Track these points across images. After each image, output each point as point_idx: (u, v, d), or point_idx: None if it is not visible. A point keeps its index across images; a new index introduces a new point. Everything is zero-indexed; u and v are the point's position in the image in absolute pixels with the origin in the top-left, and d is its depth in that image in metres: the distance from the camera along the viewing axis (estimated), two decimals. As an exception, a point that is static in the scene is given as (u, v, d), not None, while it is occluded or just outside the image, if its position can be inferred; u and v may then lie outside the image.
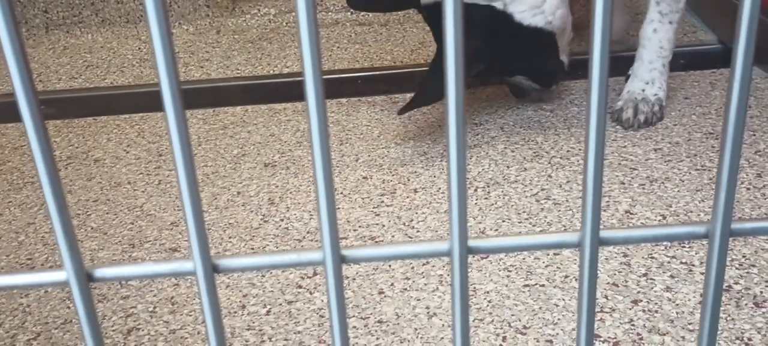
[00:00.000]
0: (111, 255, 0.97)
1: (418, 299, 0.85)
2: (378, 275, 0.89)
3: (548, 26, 1.15)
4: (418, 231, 0.98)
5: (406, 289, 0.87)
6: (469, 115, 1.30)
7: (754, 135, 1.16)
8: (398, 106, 1.37)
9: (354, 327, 0.82)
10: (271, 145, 1.25)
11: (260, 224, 1.02)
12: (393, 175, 1.13)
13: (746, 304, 0.80)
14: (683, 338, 0.76)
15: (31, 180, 1.19)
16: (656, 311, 0.80)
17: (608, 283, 0.85)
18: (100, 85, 1.55)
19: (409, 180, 1.11)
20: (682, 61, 1.41)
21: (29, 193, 1.15)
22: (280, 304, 0.86)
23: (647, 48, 1.24)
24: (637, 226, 0.98)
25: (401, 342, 0.79)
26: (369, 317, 0.83)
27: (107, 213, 1.07)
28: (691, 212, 0.98)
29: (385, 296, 0.86)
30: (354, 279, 0.89)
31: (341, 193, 1.08)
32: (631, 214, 0.98)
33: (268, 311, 0.85)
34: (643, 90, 1.24)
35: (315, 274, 0.90)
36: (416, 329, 0.80)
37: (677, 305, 0.81)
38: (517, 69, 1.25)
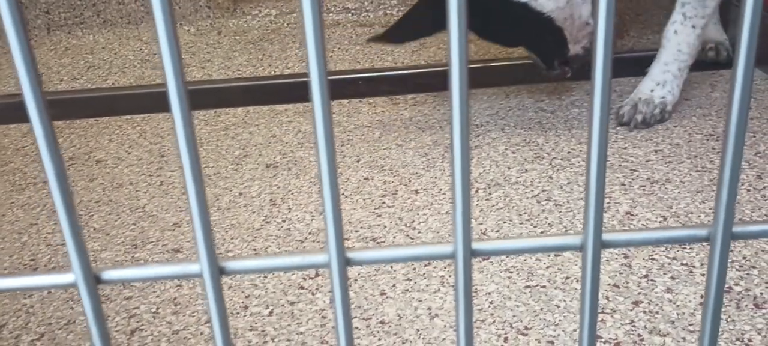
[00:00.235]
0: (114, 256, 0.98)
1: (420, 300, 0.85)
2: (380, 275, 0.90)
3: (534, 4, 1.17)
4: (419, 232, 0.98)
5: (407, 290, 0.87)
6: (470, 117, 1.30)
7: (754, 136, 1.17)
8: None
9: (356, 328, 0.82)
10: (272, 146, 1.25)
11: (262, 225, 1.02)
12: (394, 176, 1.13)
13: (746, 305, 0.81)
14: (684, 339, 0.77)
15: (33, 181, 1.19)
16: (657, 312, 0.81)
17: (609, 284, 0.85)
18: (101, 86, 1.55)
19: (410, 181, 1.11)
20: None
21: (32, 194, 1.15)
22: (283, 305, 0.86)
23: (666, 49, 1.23)
24: (639, 228, 0.98)
25: (403, 343, 0.79)
26: (371, 318, 0.83)
27: (109, 214, 1.08)
28: (692, 213, 0.98)
29: (386, 297, 0.86)
30: (356, 280, 0.89)
31: (343, 194, 1.09)
32: (632, 215, 0.99)
33: (271, 312, 0.85)
34: (652, 91, 1.23)
35: (317, 275, 0.91)
36: (418, 330, 0.81)
37: (678, 306, 0.81)
38: (515, 41, 1.29)
